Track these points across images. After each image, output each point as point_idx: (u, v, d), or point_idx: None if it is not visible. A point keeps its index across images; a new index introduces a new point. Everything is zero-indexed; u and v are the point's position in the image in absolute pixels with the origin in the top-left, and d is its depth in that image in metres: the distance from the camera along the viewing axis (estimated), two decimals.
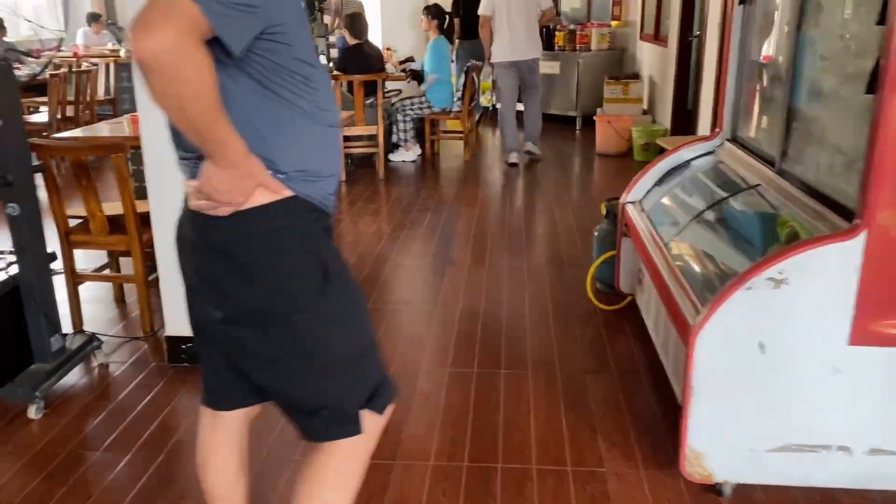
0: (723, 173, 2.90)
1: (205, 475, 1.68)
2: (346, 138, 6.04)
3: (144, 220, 3.07)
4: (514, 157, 6.52)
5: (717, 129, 3.09)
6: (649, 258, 2.64)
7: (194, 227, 1.35)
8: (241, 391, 1.55)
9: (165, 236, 2.80)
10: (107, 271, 3.52)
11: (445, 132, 7.18)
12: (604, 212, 3.63)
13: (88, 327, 3.25)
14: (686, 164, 3.12)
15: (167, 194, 2.74)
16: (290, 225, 1.33)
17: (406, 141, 6.73)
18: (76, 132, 3.48)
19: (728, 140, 3.05)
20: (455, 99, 6.66)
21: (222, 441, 1.65)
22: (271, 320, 1.35)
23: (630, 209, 3.13)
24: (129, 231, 3.05)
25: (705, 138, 3.16)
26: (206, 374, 1.61)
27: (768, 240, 2.24)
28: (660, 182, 3.14)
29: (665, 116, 6.82)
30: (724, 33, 4.90)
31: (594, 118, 7.41)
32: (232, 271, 1.33)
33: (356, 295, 1.47)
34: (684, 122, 6.32)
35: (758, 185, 2.55)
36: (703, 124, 5.43)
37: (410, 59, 6.94)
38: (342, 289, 1.40)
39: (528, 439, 2.40)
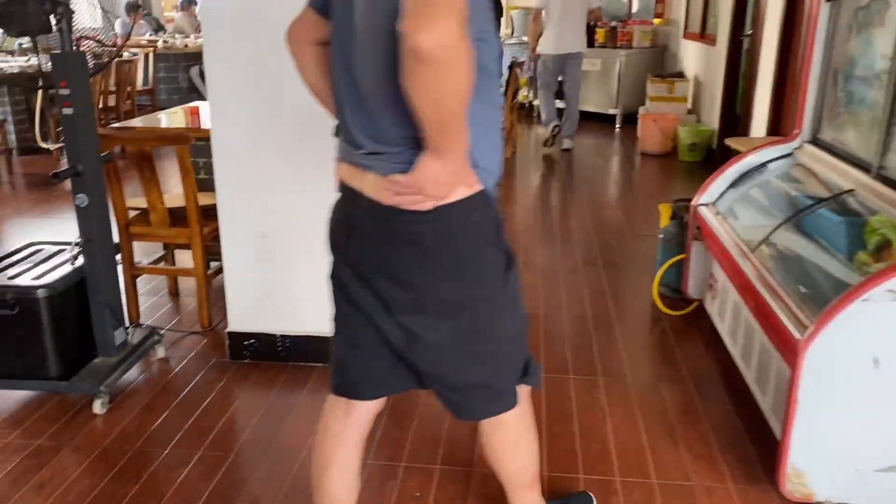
0: (806, 177, 2.79)
1: (326, 472, 1.63)
2: None
3: (204, 212, 3.02)
4: (567, 144, 6.94)
5: (796, 131, 2.98)
6: (733, 265, 2.54)
7: (376, 219, 1.36)
8: (390, 379, 1.55)
9: (233, 230, 2.75)
10: (162, 264, 3.48)
11: None
12: (669, 213, 3.52)
13: (144, 321, 3.20)
14: (762, 166, 3.01)
15: (236, 187, 2.69)
16: (484, 218, 1.38)
17: None
18: (135, 122, 3.43)
19: (808, 142, 2.93)
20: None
21: (351, 435, 1.63)
22: (458, 310, 1.40)
23: (704, 212, 3.03)
24: (191, 224, 2.99)
25: (782, 140, 3.05)
26: (350, 363, 1.57)
27: (855, 247, 2.14)
28: (734, 184, 3.04)
29: (711, 117, 6.68)
30: (786, 31, 4.77)
31: (636, 116, 7.29)
32: (424, 263, 1.36)
33: (519, 277, 1.52)
34: (733, 123, 6.18)
35: (850, 190, 2.44)
36: (757, 126, 5.30)
37: None
38: (515, 275, 1.48)
39: (608, 449, 2.32)
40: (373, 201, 1.35)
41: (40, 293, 2.41)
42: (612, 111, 8.24)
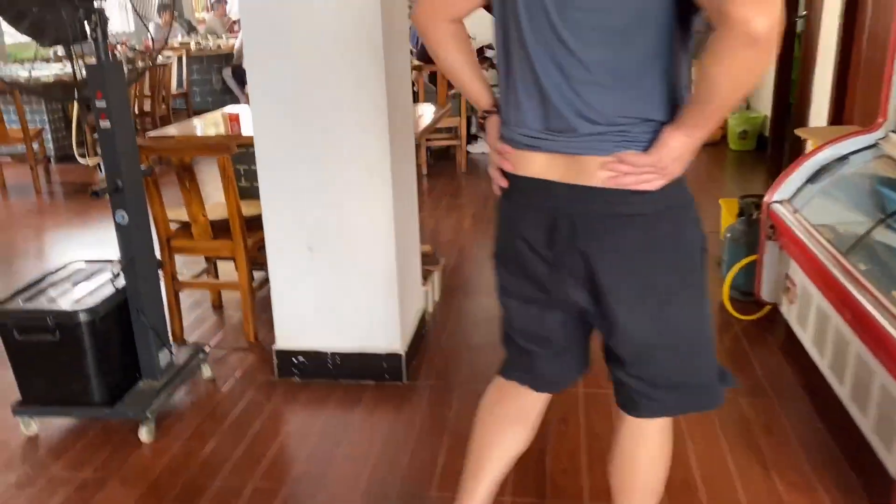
0: (895, 170, 2.56)
1: (498, 440, 1.65)
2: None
3: (247, 223, 2.89)
4: None
5: (881, 119, 2.74)
6: (820, 269, 2.32)
7: (593, 204, 1.29)
8: (572, 370, 1.59)
9: (279, 243, 2.61)
10: (204, 276, 3.36)
11: None
12: (734, 210, 3.31)
13: (188, 336, 3.09)
14: (842, 158, 2.78)
15: (281, 199, 2.55)
16: (691, 197, 1.35)
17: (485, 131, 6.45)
18: (172, 129, 3.31)
19: (895, 132, 2.70)
20: None
21: (519, 417, 1.65)
22: (670, 294, 1.35)
23: (779, 210, 2.81)
24: (234, 236, 2.86)
25: (863, 130, 2.81)
26: (538, 363, 1.56)
27: None
28: (812, 179, 2.81)
29: (762, 102, 6.39)
30: (849, 12, 4.49)
31: None
32: (648, 246, 1.31)
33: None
34: (786, 110, 5.89)
35: None
36: (816, 114, 5.02)
37: (489, 47, 6.66)
38: (706, 262, 1.42)
39: (692, 476, 2.13)
40: (586, 187, 1.28)
41: (82, 317, 2.29)
42: None
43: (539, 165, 1.33)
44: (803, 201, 2.77)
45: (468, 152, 6.30)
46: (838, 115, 4.60)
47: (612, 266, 1.32)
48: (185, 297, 3.42)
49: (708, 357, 1.47)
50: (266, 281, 3.40)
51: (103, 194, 2.25)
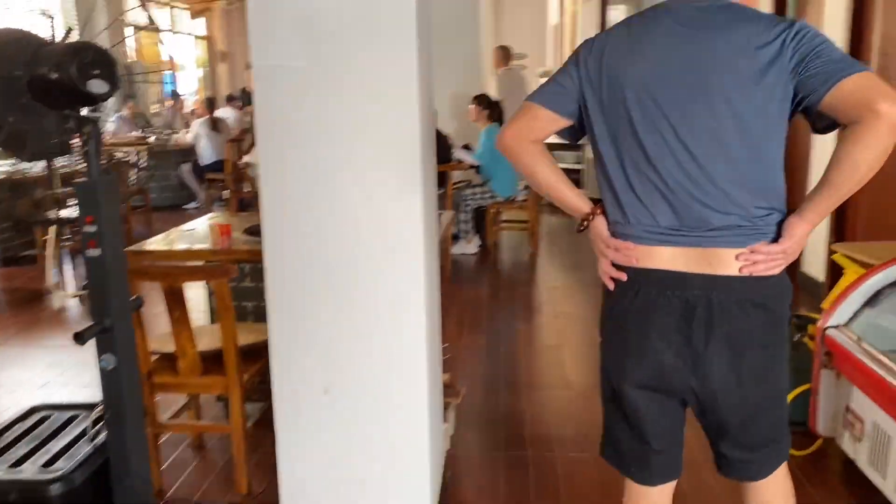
0: None
1: None
2: None
3: (244, 353, 2.51)
4: None
5: None
6: None
7: (728, 293, 1.48)
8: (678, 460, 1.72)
9: (288, 383, 2.22)
10: (185, 415, 2.91)
11: (506, 222, 6.69)
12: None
13: (168, 487, 2.63)
14: None
15: (293, 330, 2.19)
16: (788, 278, 1.55)
17: (467, 232, 6.23)
18: (154, 243, 2.93)
19: None
20: (523, 187, 6.21)
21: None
22: (777, 365, 1.57)
23: (837, 336, 2.58)
24: (229, 371, 2.47)
25: None
26: (656, 458, 1.68)
27: None
28: (871, 302, 2.60)
29: None
30: None
31: None
32: (769, 323, 1.52)
33: None
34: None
35: None
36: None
37: (467, 147, 6.53)
38: None
39: None
40: (723, 276, 1.48)
41: (54, 489, 1.86)
42: None
43: (667, 258, 1.52)
44: (863, 327, 2.55)
45: (451, 254, 6.03)
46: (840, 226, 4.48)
47: (742, 344, 1.50)
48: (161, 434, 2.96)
49: (786, 416, 1.67)
50: (260, 417, 3.01)
51: (90, 337, 1.86)
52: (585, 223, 1.63)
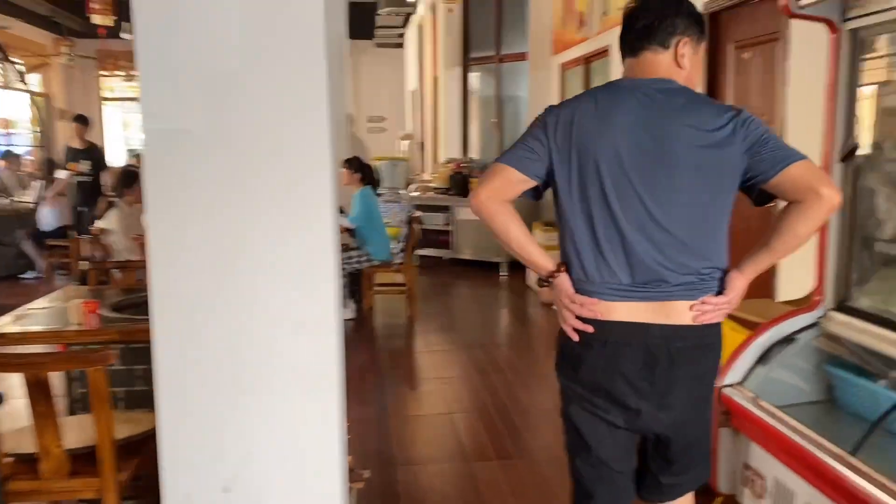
0: (856, 352, 2.50)
1: None
2: None
3: (120, 448, 2.21)
4: None
5: (817, 298, 2.73)
6: (817, 466, 2.12)
7: (686, 338, 1.72)
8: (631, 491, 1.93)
9: (181, 484, 1.95)
10: None
11: (381, 285, 6.55)
12: None
13: None
14: (789, 338, 2.71)
15: (185, 404, 1.93)
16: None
17: (343, 298, 6.03)
18: (3, 326, 2.54)
19: (833, 310, 2.68)
20: (398, 250, 6.13)
21: None
22: (710, 395, 1.88)
23: (733, 394, 2.65)
24: (104, 471, 2.15)
25: (803, 309, 2.78)
26: (611, 493, 1.87)
27: None
28: (763, 359, 2.70)
29: None
30: None
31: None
32: (717, 361, 1.84)
33: None
34: None
35: None
36: None
37: (340, 210, 6.36)
38: None
39: None
40: (679, 325, 1.71)
41: None
42: (495, 259, 7.97)
43: (628, 311, 1.71)
44: (757, 385, 2.63)
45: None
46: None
47: (693, 383, 1.77)
48: None
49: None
50: None
51: None
52: (550, 280, 1.78)
